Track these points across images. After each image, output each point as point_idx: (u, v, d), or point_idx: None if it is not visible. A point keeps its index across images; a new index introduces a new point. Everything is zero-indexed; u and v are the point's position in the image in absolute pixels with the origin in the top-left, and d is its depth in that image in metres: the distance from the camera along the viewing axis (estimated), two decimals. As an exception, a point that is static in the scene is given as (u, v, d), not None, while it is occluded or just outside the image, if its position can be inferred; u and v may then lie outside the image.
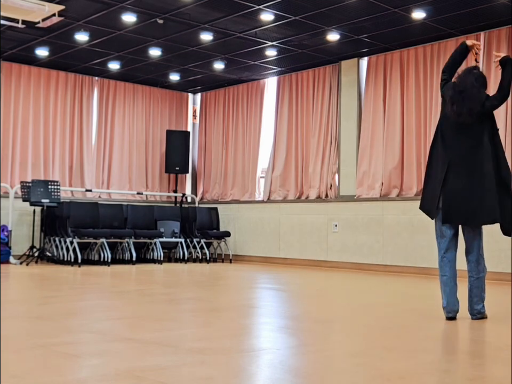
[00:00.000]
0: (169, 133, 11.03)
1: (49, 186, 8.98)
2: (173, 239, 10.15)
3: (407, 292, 6.42)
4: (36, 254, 9.15)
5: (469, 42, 4.49)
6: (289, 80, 10.20)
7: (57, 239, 9.14)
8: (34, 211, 9.27)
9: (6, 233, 9.03)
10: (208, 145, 11.60)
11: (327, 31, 8.01)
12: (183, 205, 11.05)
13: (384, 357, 3.07)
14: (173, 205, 11.13)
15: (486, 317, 4.34)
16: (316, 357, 3.05)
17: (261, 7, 7.18)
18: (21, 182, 9.17)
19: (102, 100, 10.67)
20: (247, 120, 10.86)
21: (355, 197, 9.03)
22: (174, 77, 10.63)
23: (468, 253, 4.39)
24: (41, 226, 9.45)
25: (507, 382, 2.54)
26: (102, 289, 6.22)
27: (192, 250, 10.29)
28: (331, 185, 9.43)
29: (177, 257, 10.19)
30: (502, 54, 4.39)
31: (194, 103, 11.89)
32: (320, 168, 9.57)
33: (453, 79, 4.40)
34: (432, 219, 4.43)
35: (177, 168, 11.01)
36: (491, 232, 7.59)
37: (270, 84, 10.64)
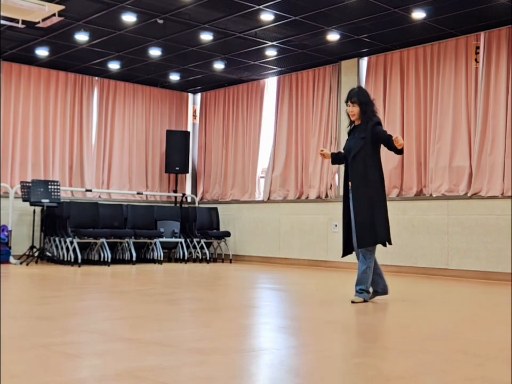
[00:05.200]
0: (169, 133, 11.03)
1: (49, 186, 8.97)
2: (173, 239, 10.15)
3: (406, 292, 6.42)
4: (36, 254, 9.15)
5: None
6: (289, 80, 10.20)
7: (57, 239, 9.14)
8: (34, 211, 9.27)
9: (6, 233, 9.03)
10: (208, 145, 11.60)
11: (327, 31, 8.01)
12: (183, 205, 11.05)
13: (384, 357, 3.07)
14: (173, 205, 11.13)
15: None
16: (316, 357, 3.05)
17: (261, 7, 7.18)
18: (21, 182, 9.17)
19: (102, 100, 10.67)
20: (247, 120, 10.86)
21: (355, 197, 9.02)
22: (174, 77, 10.63)
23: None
24: (41, 226, 9.45)
25: (507, 382, 2.54)
26: (102, 289, 6.22)
27: (192, 250, 10.29)
28: (331, 185, 9.43)
29: (177, 257, 10.19)
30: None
31: (194, 103, 11.89)
32: (320, 168, 9.57)
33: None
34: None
35: (177, 168, 11.01)
36: (490, 232, 7.62)
37: (270, 83, 10.65)
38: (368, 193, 5.07)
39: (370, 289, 5.16)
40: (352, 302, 5.06)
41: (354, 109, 5.18)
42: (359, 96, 5.18)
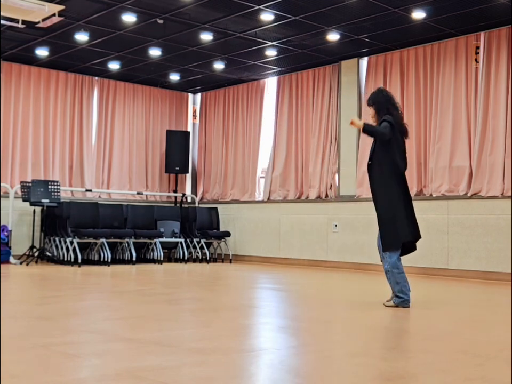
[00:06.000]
0: (169, 133, 11.03)
1: (49, 186, 8.98)
2: (173, 239, 10.15)
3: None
4: (36, 254, 9.15)
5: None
6: (289, 80, 10.20)
7: (57, 239, 9.14)
8: (34, 211, 9.27)
9: (6, 233, 9.03)
10: (208, 145, 11.60)
11: (327, 31, 8.01)
12: (183, 205, 11.05)
13: (384, 357, 3.07)
14: (173, 205, 11.13)
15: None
16: (316, 357, 3.05)
17: (261, 7, 7.18)
18: (21, 182, 9.17)
19: (102, 100, 10.67)
20: (247, 120, 10.86)
21: (355, 197, 9.03)
22: (174, 77, 10.63)
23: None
24: (41, 226, 9.45)
25: (507, 382, 2.54)
26: (102, 289, 6.22)
27: (192, 250, 10.29)
28: (331, 185, 9.43)
29: (177, 257, 10.19)
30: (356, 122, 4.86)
31: (194, 103, 11.90)
32: (320, 168, 9.57)
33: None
34: None
35: (177, 168, 11.01)
36: (490, 232, 7.62)
37: (270, 84, 10.65)
38: (381, 198, 5.06)
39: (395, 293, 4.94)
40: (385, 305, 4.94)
41: (371, 111, 5.04)
42: (374, 97, 5.04)
